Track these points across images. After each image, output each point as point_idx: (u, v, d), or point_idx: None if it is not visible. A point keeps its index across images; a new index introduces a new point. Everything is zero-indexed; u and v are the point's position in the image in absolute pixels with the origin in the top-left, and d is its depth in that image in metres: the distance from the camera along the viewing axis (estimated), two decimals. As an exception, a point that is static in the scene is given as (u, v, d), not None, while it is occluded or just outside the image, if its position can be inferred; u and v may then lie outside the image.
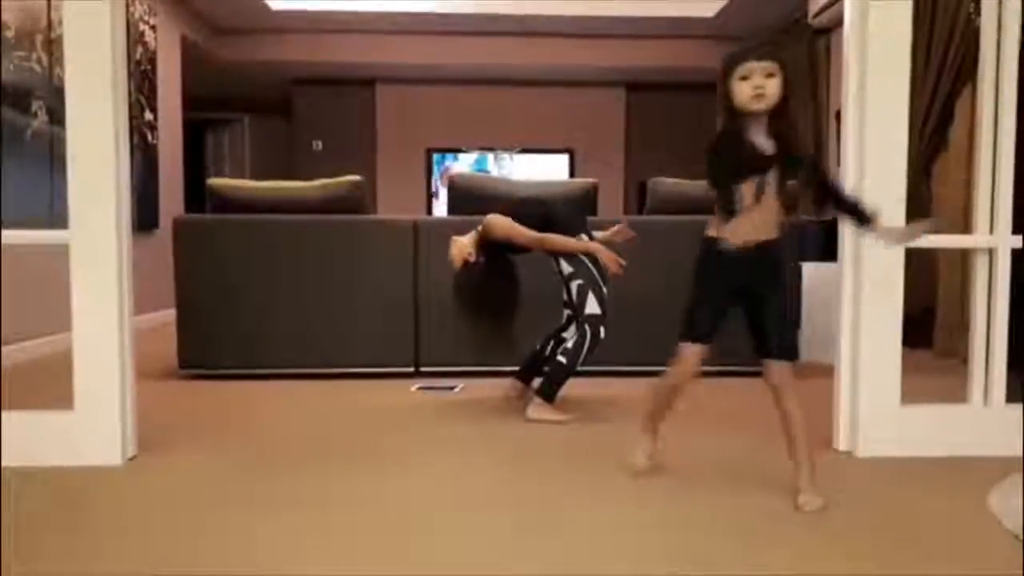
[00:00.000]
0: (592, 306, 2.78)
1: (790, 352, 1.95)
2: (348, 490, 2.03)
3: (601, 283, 2.80)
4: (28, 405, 2.33)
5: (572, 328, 2.85)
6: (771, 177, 1.86)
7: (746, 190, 1.86)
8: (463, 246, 2.83)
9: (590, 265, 2.79)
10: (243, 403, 3.14)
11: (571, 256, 2.79)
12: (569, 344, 2.78)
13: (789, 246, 1.95)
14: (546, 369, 2.88)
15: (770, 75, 1.83)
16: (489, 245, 2.84)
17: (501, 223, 2.79)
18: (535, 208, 2.88)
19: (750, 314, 1.96)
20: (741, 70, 1.84)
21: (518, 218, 2.80)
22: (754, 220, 1.87)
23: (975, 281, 2.45)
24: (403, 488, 2.05)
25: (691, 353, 1.98)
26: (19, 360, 4.05)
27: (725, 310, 1.97)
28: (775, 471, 2.11)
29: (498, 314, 2.98)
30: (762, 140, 1.86)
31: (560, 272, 2.84)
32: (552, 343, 2.98)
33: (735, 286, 1.95)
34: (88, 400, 2.25)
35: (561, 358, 2.77)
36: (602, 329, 2.77)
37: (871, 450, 2.34)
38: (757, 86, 1.82)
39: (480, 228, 2.84)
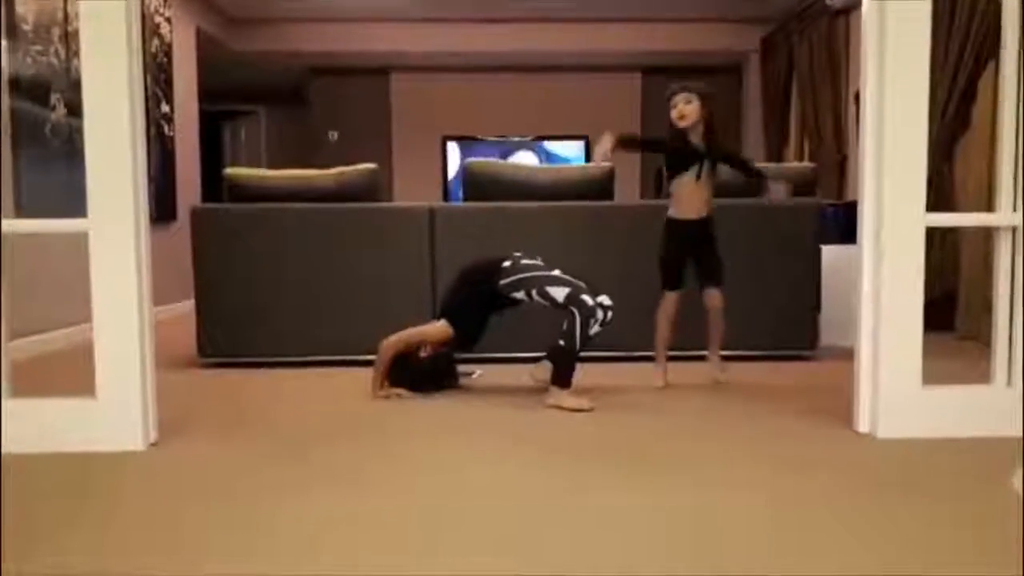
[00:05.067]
0: (559, 294, 2.79)
1: (720, 282, 3.00)
2: (366, 476, 2.04)
3: (547, 271, 2.87)
4: (52, 393, 2.36)
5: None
6: (705, 167, 2.88)
7: (687, 178, 2.89)
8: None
9: (524, 274, 2.88)
10: (262, 391, 3.16)
11: (508, 288, 2.89)
12: (564, 326, 2.77)
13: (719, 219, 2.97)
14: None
15: (688, 102, 2.87)
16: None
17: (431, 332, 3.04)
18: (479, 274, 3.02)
19: (697, 262, 2.99)
20: (672, 102, 2.90)
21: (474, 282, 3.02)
22: (695, 201, 2.91)
23: (998, 260, 2.42)
24: (415, 473, 2.06)
25: (670, 298, 3.00)
26: (44, 351, 4.10)
27: (685, 264, 2.99)
28: (786, 453, 2.11)
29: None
30: (697, 143, 2.90)
31: (523, 301, 2.92)
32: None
33: (687, 248, 2.96)
34: (110, 387, 2.27)
35: (560, 342, 2.78)
36: (585, 298, 2.75)
37: (892, 431, 2.32)
38: (679, 111, 2.88)
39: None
